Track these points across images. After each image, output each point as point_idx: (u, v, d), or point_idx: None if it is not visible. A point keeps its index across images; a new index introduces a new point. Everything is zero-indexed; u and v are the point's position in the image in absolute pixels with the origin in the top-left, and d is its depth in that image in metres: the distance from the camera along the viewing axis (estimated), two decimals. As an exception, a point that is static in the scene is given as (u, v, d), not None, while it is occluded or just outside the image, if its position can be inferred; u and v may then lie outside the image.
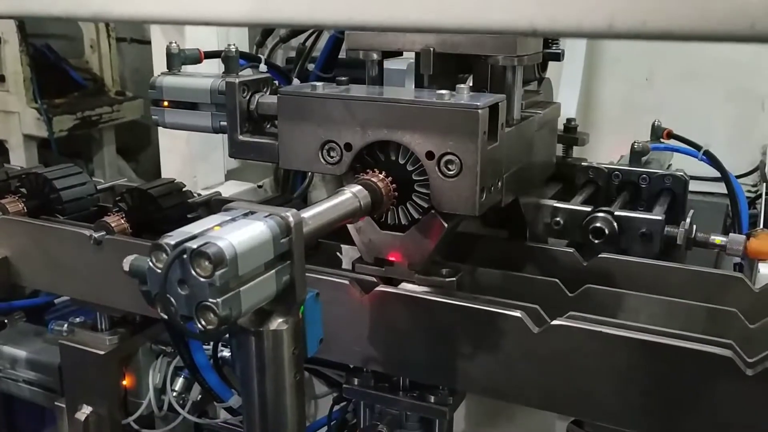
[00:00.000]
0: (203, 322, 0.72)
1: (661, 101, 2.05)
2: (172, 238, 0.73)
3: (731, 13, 0.45)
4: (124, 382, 1.38)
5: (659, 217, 1.22)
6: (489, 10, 0.51)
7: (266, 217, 0.78)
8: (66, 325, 1.42)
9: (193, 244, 0.71)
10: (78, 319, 1.42)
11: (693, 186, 1.87)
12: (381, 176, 1.03)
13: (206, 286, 0.71)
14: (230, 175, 1.77)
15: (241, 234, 0.74)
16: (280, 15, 0.57)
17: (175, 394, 1.38)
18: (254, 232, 0.75)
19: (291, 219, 0.79)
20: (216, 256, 0.70)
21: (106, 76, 3.79)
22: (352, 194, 0.96)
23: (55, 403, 1.40)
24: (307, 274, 1.04)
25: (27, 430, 1.82)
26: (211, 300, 0.71)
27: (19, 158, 3.43)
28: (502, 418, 1.43)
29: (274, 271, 0.78)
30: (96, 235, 1.19)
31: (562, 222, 1.28)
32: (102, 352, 1.31)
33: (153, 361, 1.37)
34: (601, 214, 1.23)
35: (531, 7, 0.49)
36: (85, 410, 1.32)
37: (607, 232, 1.22)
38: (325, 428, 1.34)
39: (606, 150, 1.87)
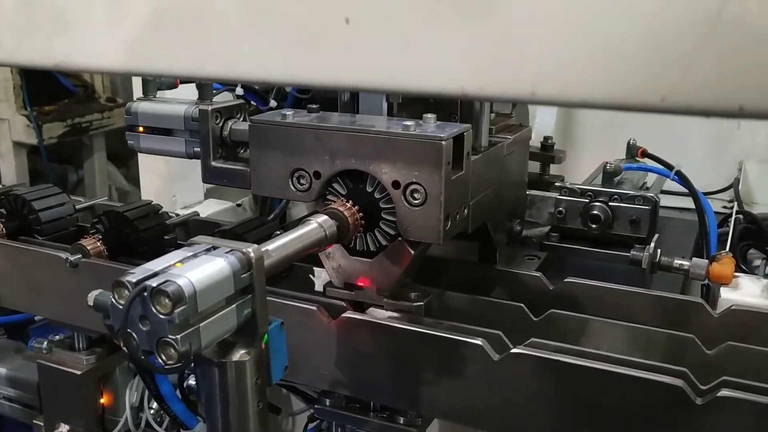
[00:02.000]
0: (164, 357, 0.74)
1: (640, 118, 2.08)
2: (133, 276, 0.75)
3: (643, 87, 0.47)
4: (102, 400, 1.40)
5: (646, 207, 1.39)
6: (425, 77, 0.53)
7: (227, 252, 0.80)
8: (45, 343, 1.44)
9: (153, 282, 0.73)
10: (58, 337, 1.44)
11: (670, 201, 1.90)
12: (348, 205, 1.05)
13: (166, 322, 0.73)
14: (210, 194, 1.79)
15: (200, 271, 0.76)
16: (231, 70, 0.59)
17: (152, 412, 1.40)
18: (214, 269, 0.77)
19: (252, 254, 0.81)
20: (175, 294, 0.72)
21: (97, 83, 3.81)
22: (317, 224, 0.99)
23: (34, 420, 1.42)
24: (275, 299, 1.07)
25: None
26: (170, 336, 0.73)
27: (9, 166, 3.45)
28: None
29: (234, 305, 0.80)
30: (72, 258, 1.21)
31: (564, 211, 1.45)
32: (79, 372, 1.33)
33: (130, 380, 1.39)
34: (597, 204, 1.43)
35: (462, 76, 0.52)
36: (63, 428, 1.35)
37: (602, 218, 1.41)
38: (299, 446, 1.37)
39: (585, 167, 1.89)
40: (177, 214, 1.46)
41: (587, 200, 1.45)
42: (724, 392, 0.86)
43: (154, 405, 1.40)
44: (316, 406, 1.22)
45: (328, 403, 1.21)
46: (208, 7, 0.56)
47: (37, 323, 1.69)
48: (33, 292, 1.30)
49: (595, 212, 1.44)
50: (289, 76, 0.56)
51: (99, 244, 1.25)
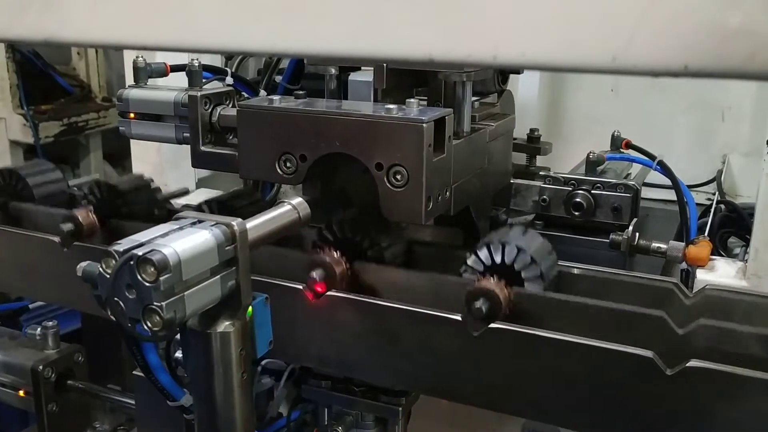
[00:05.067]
0: (149, 324, 0.77)
1: (626, 112, 2.11)
2: (120, 246, 0.78)
3: (595, 49, 0.50)
4: (94, 384, 1.42)
5: (628, 195, 1.40)
6: (393, 42, 0.56)
7: (212, 225, 0.83)
8: (39, 329, 1.46)
9: (139, 252, 0.76)
10: (51, 323, 1.47)
11: (654, 194, 1.93)
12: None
13: (151, 290, 0.76)
14: (201, 183, 1.82)
15: (185, 242, 0.79)
16: (210, 41, 0.62)
17: (143, 395, 1.42)
18: (198, 240, 0.80)
19: (236, 227, 0.84)
20: (160, 262, 0.75)
21: (93, 83, 3.83)
22: (291, 206, 1.00)
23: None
24: (263, 279, 1.10)
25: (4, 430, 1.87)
26: (156, 303, 0.76)
27: (5, 164, 3.47)
28: (462, 418, 1.48)
29: (219, 276, 0.83)
30: (64, 227, 1.22)
31: (548, 199, 1.46)
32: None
33: (121, 363, 1.42)
34: (580, 192, 1.43)
35: (428, 40, 0.55)
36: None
37: (585, 206, 1.42)
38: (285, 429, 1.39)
39: (571, 161, 1.92)
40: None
41: (570, 188, 1.48)
42: (693, 363, 0.89)
43: (145, 388, 1.42)
44: (303, 386, 1.24)
45: (314, 385, 1.24)
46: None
47: (29, 313, 1.71)
48: (25, 276, 1.32)
49: (578, 200, 1.46)
50: (267, 45, 0.59)
51: (91, 215, 1.26)
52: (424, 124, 1.02)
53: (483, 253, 1.05)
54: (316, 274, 1.04)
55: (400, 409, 1.21)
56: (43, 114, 3.44)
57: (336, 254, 1.07)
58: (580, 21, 0.50)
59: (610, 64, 0.50)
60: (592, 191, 1.46)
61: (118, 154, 4.05)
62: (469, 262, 1.06)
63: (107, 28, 0.66)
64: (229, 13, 0.60)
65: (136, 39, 0.64)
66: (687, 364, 0.88)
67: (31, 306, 1.63)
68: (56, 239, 1.25)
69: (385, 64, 1.19)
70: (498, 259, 1.04)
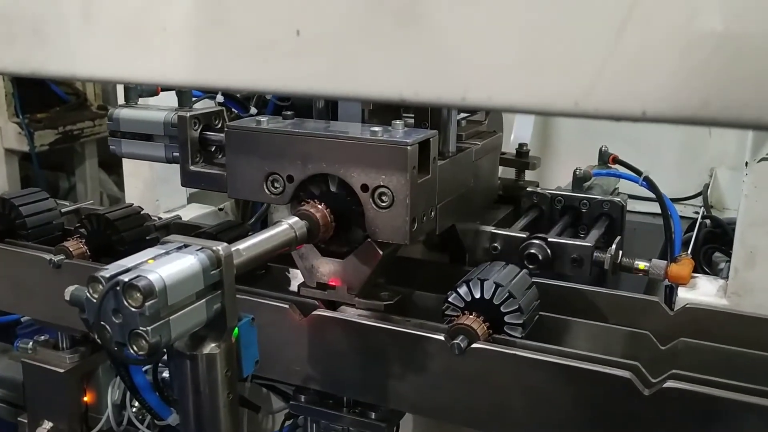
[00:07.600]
0: (135, 348, 0.79)
1: (615, 126, 2.13)
2: (107, 271, 0.79)
3: (558, 94, 0.52)
4: (85, 399, 1.43)
5: (588, 244, 1.27)
6: (366, 82, 0.58)
7: (198, 250, 0.85)
8: (31, 343, 1.48)
9: (126, 277, 0.78)
10: (43, 338, 1.48)
11: (644, 207, 1.95)
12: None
13: (137, 315, 0.77)
14: (192, 198, 1.84)
15: (171, 267, 0.80)
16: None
17: (134, 410, 1.43)
18: (184, 265, 0.82)
19: (221, 252, 0.86)
20: (146, 288, 0.77)
21: (89, 91, 3.84)
22: (288, 225, 1.03)
23: (18, 418, 1.46)
24: (249, 298, 1.12)
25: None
26: (141, 328, 0.77)
27: (0, 173, 3.48)
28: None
29: (204, 300, 0.84)
30: (55, 258, 1.25)
31: (499, 247, 1.34)
32: (62, 370, 1.37)
33: (112, 379, 1.43)
34: (535, 241, 1.29)
35: (399, 82, 0.57)
36: (46, 425, 1.38)
37: (540, 258, 1.28)
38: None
39: (562, 174, 1.94)
40: (160, 218, 1.50)
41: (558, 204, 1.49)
42: (669, 383, 0.90)
43: (136, 403, 1.44)
44: (291, 402, 1.26)
45: (303, 400, 1.26)
46: (171, 21, 0.61)
47: (21, 327, 1.72)
48: (17, 292, 1.34)
49: (533, 250, 1.30)
50: (248, 82, 0.61)
51: (82, 245, 1.29)
52: (409, 147, 1.04)
53: (463, 290, 1.07)
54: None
55: (385, 425, 1.22)
56: (38, 122, 3.45)
57: (320, 206, 1.08)
58: (544, 68, 0.52)
59: (572, 109, 0.52)
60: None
61: (113, 162, 4.06)
62: (451, 299, 1.08)
63: (92, 63, 0.68)
64: (210, 53, 0.62)
65: (119, 74, 0.66)
66: (664, 385, 0.90)
67: (23, 320, 1.64)
68: (47, 257, 1.27)
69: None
70: (477, 295, 1.05)
